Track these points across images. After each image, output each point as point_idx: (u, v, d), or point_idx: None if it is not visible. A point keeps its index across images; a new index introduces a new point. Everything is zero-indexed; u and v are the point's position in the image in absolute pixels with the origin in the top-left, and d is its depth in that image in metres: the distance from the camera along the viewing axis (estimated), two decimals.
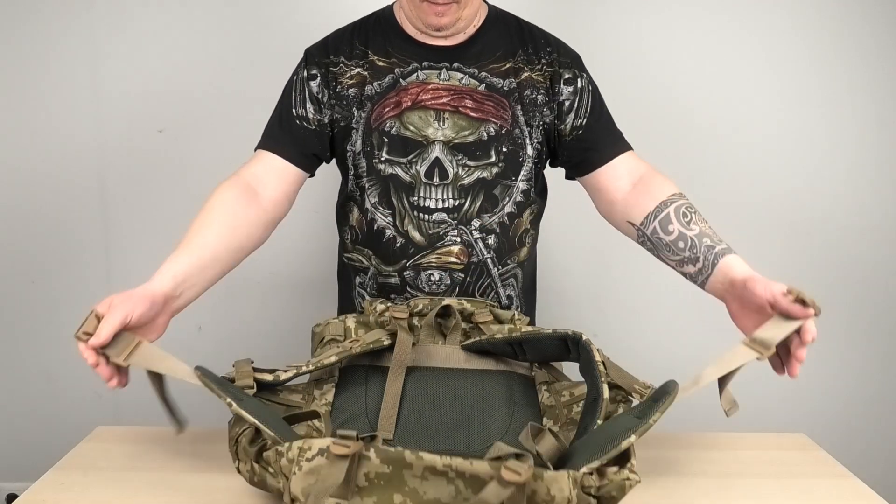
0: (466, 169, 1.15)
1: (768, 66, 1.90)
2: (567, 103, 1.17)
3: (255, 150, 1.17)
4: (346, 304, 1.27)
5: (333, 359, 0.95)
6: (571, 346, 0.96)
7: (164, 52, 1.89)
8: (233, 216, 1.05)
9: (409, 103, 1.14)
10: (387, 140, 1.15)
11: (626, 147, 1.19)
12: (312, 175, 1.20)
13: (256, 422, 0.77)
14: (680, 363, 1.99)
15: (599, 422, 0.81)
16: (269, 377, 0.91)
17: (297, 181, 1.16)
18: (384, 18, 1.19)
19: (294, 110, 1.16)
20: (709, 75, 1.90)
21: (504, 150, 1.16)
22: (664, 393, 0.79)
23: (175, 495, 0.90)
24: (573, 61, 1.19)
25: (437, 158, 1.14)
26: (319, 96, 1.16)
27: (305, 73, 1.17)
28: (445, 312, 1.06)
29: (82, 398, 2.02)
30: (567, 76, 1.17)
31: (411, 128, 1.14)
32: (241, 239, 1.05)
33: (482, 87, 1.15)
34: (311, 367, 0.94)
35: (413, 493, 0.70)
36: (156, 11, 1.87)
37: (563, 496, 0.69)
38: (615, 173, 1.17)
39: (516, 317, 1.07)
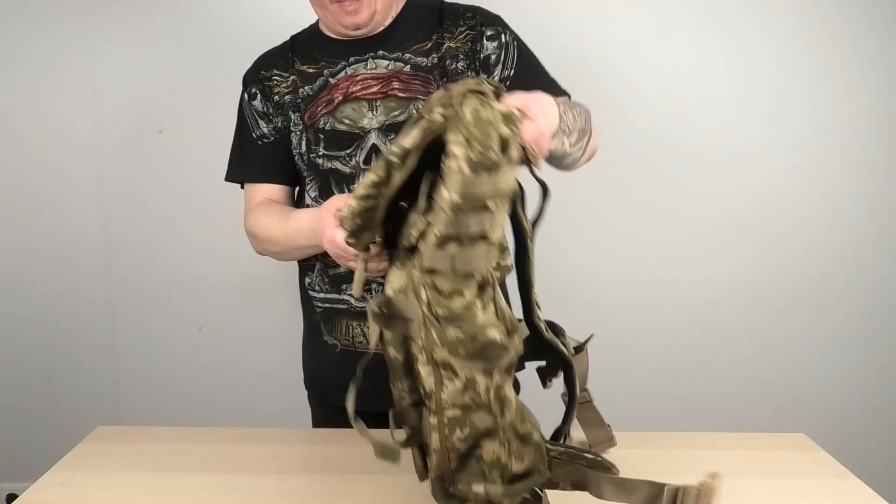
0: None
1: (764, 66, 1.90)
2: (493, 57, 1.17)
3: (241, 185, 1.24)
4: (307, 307, 1.29)
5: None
6: (549, 356, 0.87)
7: (164, 52, 1.89)
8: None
9: (341, 97, 1.16)
10: (322, 136, 1.16)
11: (559, 93, 1.16)
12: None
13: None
14: (678, 364, 2.00)
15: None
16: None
17: (290, 196, 1.24)
18: (309, 32, 1.24)
19: (252, 133, 1.21)
20: (704, 76, 1.91)
21: None
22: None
23: (175, 495, 0.90)
24: (495, 20, 1.19)
25: (373, 145, 1.15)
26: (264, 110, 1.21)
27: (247, 96, 1.22)
28: None
29: (82, 398, 2.02)
30: (490, 33, 1.17)
31: (346, 121, 1.16)
32: None
33: (407, 69, 1.16)
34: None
35: None
36: (155, 12, 1.87)
37: None
38: None
39: None
